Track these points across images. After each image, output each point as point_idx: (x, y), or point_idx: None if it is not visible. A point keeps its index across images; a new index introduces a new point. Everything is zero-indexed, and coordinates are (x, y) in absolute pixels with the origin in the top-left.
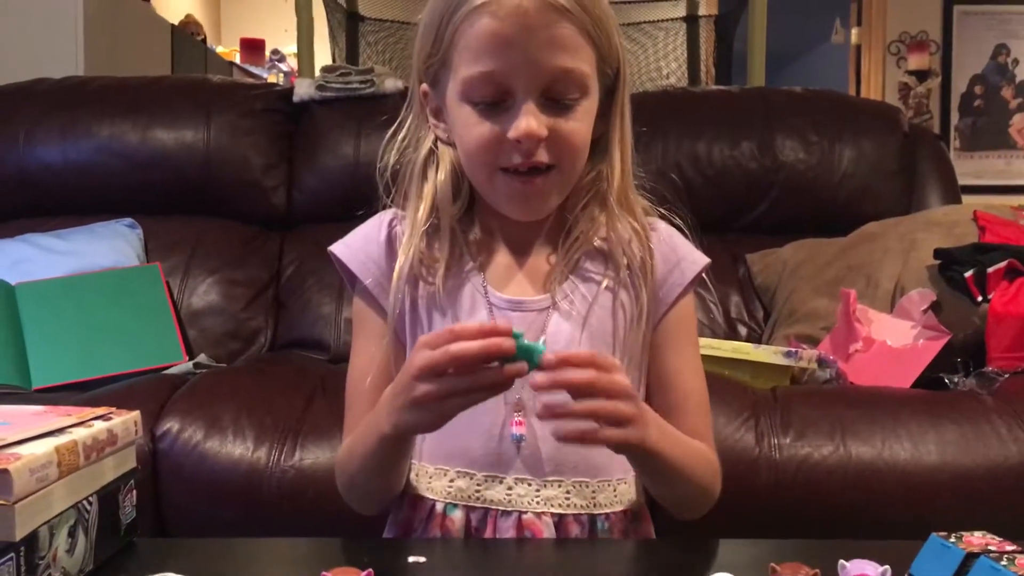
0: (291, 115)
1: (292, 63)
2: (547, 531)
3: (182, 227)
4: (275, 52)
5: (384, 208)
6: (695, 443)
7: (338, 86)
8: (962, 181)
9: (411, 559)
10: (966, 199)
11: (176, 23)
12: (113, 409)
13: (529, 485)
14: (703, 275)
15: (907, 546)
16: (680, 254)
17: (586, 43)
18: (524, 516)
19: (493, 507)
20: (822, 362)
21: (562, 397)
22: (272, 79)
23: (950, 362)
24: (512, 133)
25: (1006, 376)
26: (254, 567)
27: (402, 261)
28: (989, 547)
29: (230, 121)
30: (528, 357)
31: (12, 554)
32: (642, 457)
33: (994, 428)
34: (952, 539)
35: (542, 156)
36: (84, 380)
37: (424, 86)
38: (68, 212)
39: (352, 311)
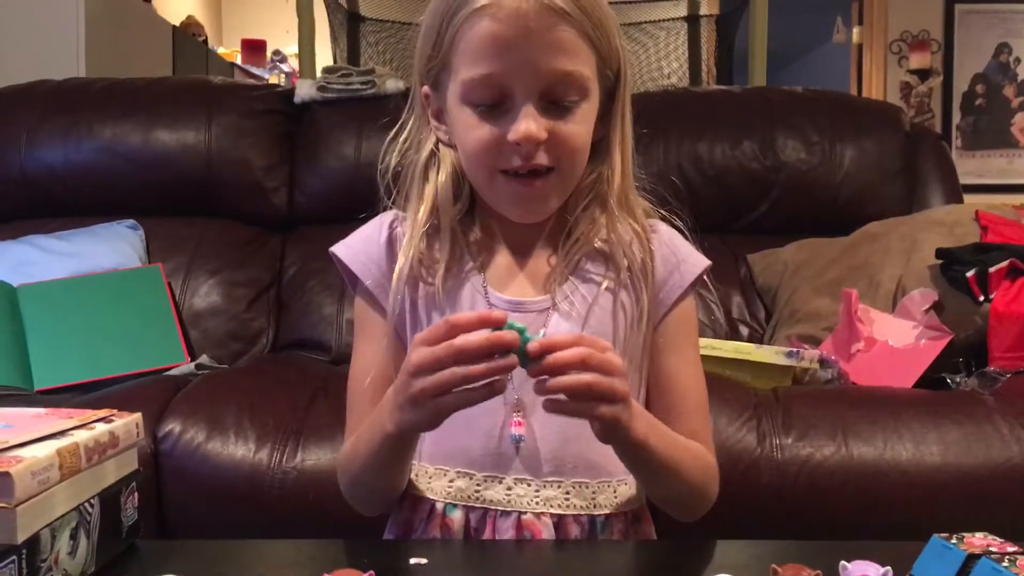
0: (292, 116)
1: (293, 64)
2: (546, 531)
3: (184, 228)
4: (276, 53)
5: (385, 209)
6: (689, 443)
7: (339, 87)
8: (964, 180)
9: (412, 560)
10: (968, 198)
11: (177, 24)
12: (115, 411)
13: (528, 485)
14: (704, 277)
15: (909, 547)
16: (681, 256)
17: (586, 46)
18: (523, 516)
19: (492, 507)
20: (824, 362)
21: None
22: (273, 80)
23: (952, 362)
24: (511, 136)
25: (1008, 376)
26: (256, 569)
27: (402, 262)
28: (990, 548)
29: (231, 122)
30: (522, 352)
31: (14, 557)
32: (630, 448)
33: (996, 428)
34: (953, 540)
35: (542, 159)
36: (86, 381)
37: (425, 88)
38: (70, 214)
39: (353, 312)
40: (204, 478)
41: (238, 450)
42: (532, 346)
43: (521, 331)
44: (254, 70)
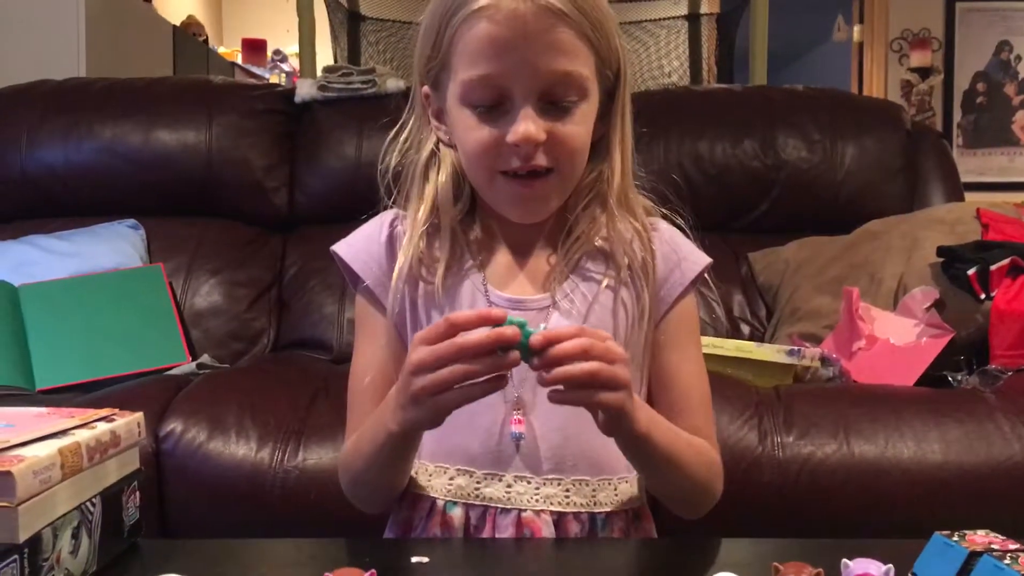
0: (293, 116)
1: (294, 63)
2: (546, 529)
3: (184, 228)
4: (277, 52)
5: (386, 209)
6: (693, 438)
7: (340, 86)
8: (965, 178)
9: (414, 559)
10: (969, 196)
11: (178, 24)
12: (116, 410)
13: (528, 483)
14: (705, 275)
15: (910, 545)
16: (681, 254)
17: (584, 46)
18: (523, 514)
19: (492, 505)
20: (825, 360)
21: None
22: (274, 79)
23: (953, 360)
24: (510, 137)
25: (1009, 374)
26: (257, 568)
27: (402, 261)
28: (992, 546)
29: (232, 122)
30: (523, 347)
31: (15, 556)
32: (632, 441)
33: (997, 426)
34: (955, 538)
35: (541, 159)
36: (87, 381)
37: (425, 88)
38: (71, 214)
39: (354, 311)
40: (205, 477)
41: (239, 449)
42: (535, 339)
43: (521, 326)
44: (255, 70)
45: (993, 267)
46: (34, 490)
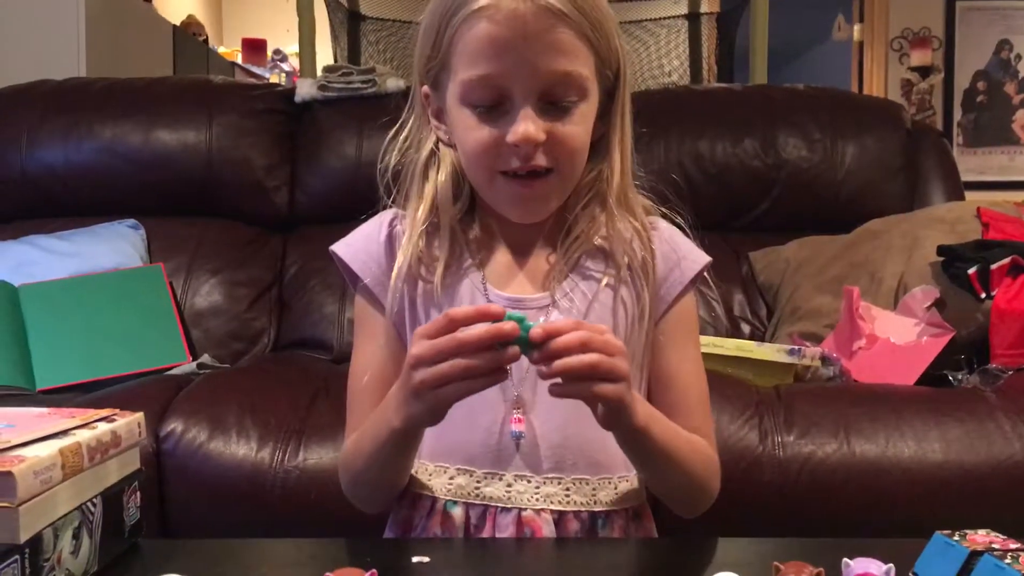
0: (293, 115)
1: (294, 63)
2: (546, 528)
3: (185, 228)
4: (277, 52)
5: (385, 208)
6: (691, 436)
7: (340, 86)
8: (965, 177)
9: (415, 559)
10: (969, 195)
11: (178, 24)
12: (117, 411)
13: (528, 482)
14: (704, 274)
15: (911, 544)
16: (681, 253)
17: (584, 46)
18: (524, 513)
19: (493, 504)
20: (825, 360)
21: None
22: (274, 79)
23: (953, 359)
24: (510, 137)
25: (1010, 373)
26: (258, 568)
27: (401, 261)
28: (993, 545)
29: (232, 122)
30: (523, 342)
31: (16, 556)
32: (631, 435)
33: (998, 425)
34: (956, 537)
35: (541, 160)
36: (88, 381)
37: (425, 88)
38: (71, 214)
39: (354, 310)
40: (206, 477)
41: (240, 449)
42: (535, 332)
43: (520, 320)
44: (255, 69)
45: (993, 266)
46: (35, 490)
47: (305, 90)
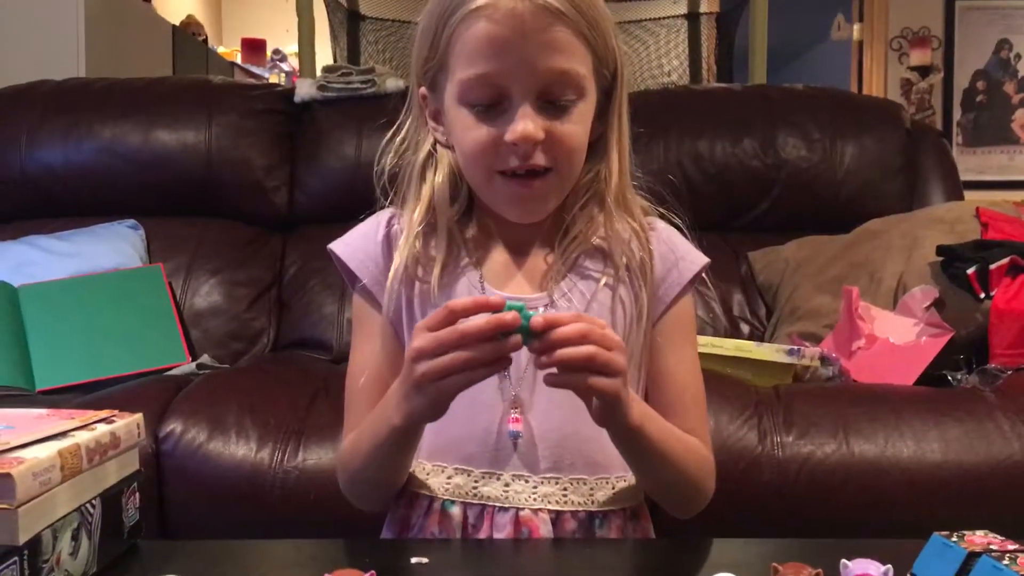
0: (292, 115)
1: (293, 63)
2: (544, 527)
3: (184, 228)
4: (276, 52)
5: (382, 209)
6: (686, 436)
7: (339, 86)
8: (965, 177)
9: (414, 560)
10: (969, 195)
11: (177, 24)
12: (116, 412)
13: (526, 482)
14: (703, 274)
15: (909, 545)
16: (679, 253)
17: (582, 45)
18: (521, 512)
19: (490, 504)
20: (824, 360)
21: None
22: (273, 79)
23: (953, 359)
24: (509, 136)
25: (1009, 373)
26: (257, 569)
27: (397, 262)
28: (991, 546)
29: (231, 122)
30: (524, 331)
31: (15, 558)
32: (625, 432)
33: (997, 425)
34: (954, 538)
35: (539, 159)
36: (87, 381)
37: (423, 90)
38: (70, 214)
39: (352, 310)
40: (205, 478)
41: (239, 450)
42: (536, 321)
43: (520, 309)
44: (254, 69)
45: (992, 266)
46: (34, 492)
47: (304, 90)
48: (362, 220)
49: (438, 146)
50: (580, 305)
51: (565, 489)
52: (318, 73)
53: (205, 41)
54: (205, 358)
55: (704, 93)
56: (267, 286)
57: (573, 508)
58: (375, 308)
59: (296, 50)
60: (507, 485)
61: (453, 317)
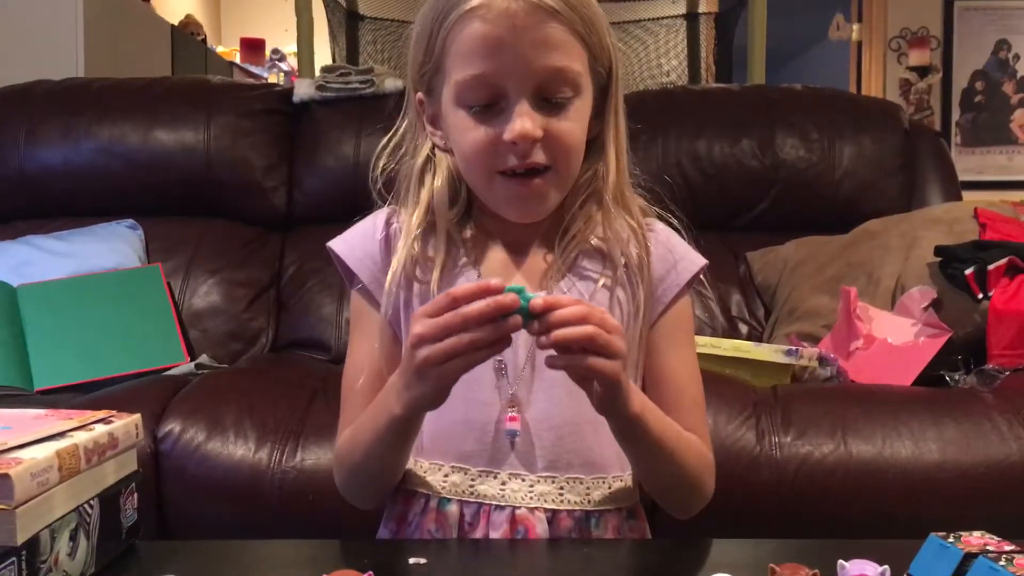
0: (291, 115)
1: (292, 62)
2: (540, 526)
3: (183, 228)
4: (275, 52)
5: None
6: (685, 432)
7: (338, 86)
8: (963, 177)
9: (411, 560)
10: (968, 195)
11: (176, 23)
12: (114, 412)
13: (523, 480)
14: (700, 276)
15: (906, 546)
16: (677, 255)
17: (577, 42)
18: (517, 511)
19: (487, 502)
20: (823, 360)
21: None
22: (272, 79)
23: (951, 360)
24: (507, 135)
25: (1007, 373)
26: (255, 569)
27: (396, 264)
28: (987, 547)
29: (230, 122)
30: (524, 312)
31: (13, 558)
32: (625, 421)
33: (995, 426)
34: (951, 539)
35: (538, 157)
36: (86, 381)
37: (420, 95)
38: (69, 214)
39: (350, 308)
40: (204, 478)
41: (238, 450)
42: (536, 302)
43: (520, 291)
44: (253, 69)
45: (991, 267)
46: (32, 492)
47: (303, 90)
48: (360, 219)
49: (436, 150)
50: None
51: (562, 488)
52: (317, 73)
53: (204, 41)
54: (204, 358)
55: (703, 93)
56: (266, 286)
57: (569, 507)
58: (373, 307)
59: (295, 50)
60: (504, 484)
61: (455, 304)
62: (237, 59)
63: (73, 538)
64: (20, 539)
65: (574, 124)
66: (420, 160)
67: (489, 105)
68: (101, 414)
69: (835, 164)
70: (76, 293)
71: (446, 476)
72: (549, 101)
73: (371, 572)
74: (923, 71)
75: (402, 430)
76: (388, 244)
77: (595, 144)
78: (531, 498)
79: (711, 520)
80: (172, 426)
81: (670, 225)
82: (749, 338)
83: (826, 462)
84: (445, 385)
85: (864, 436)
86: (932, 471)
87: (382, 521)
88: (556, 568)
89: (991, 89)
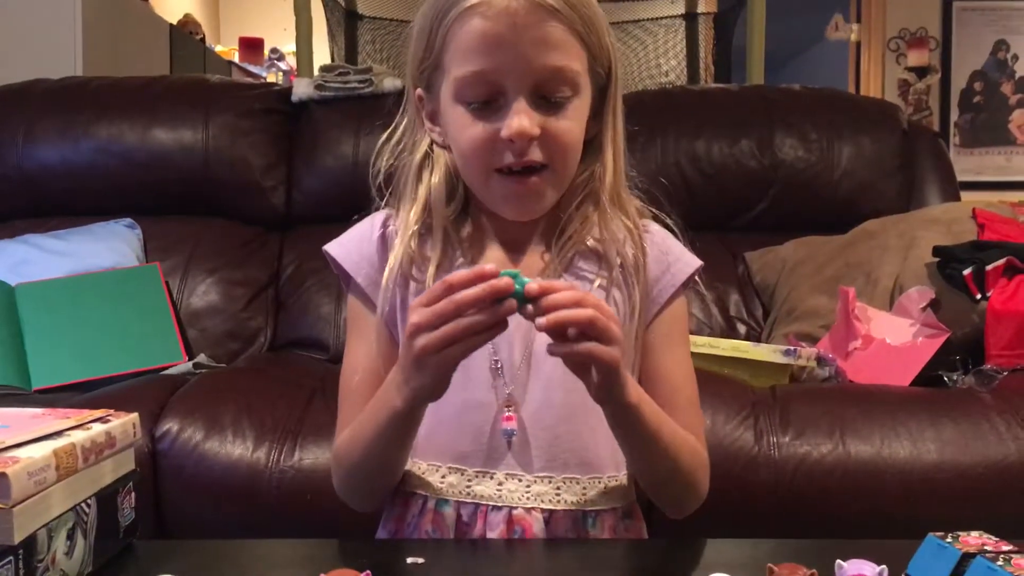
0: (290, 115)
1: (291, 62)
2: (536, 526)
3: (181, 227)
4: (274, 51)
5: (378, 210)
6: (681, 430)
7: (337, 85)
8: (962, 177)
9: (409, 560)
10: (966, 195)
11: (175, 22)
12: (112, 411)
13: (519, 481)
14: (695, 277)
15: (904, 546)
16: (673, 256)
17: (576, 42)
18: (514, 511)
19: (484, 502)
20: (821, 360)
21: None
22: (271, 78)
23: (949, 360)
24: (505, 132)
25: (1005, 374)
26: (253, 569)
27: (392, 262)
28: (985, 547)
29: (229, 121)
30: (519, 296)
31: (11, 557)
32: (621, 411)
33: (993, 426)
34: (949, 539)
35: (535, 155)
36: (84, 380)
37: (419, 91)
38: (67, 213)
39: (347, 310)
40: (202, 477)
41: (236, 449)
42: (532, 286)
43: (515, 276)
44: (252, 68)
45: (989, 267)
46: (29, 491)
47: (302, 89)
48: (357, 221)
49: (434, 147)
50: None
51: (558, 488)
52: (315, 72)
53: (203, 40)
54: (202, 357)
55: (702, 93)
56: (264, 286)
57: (566, 507)
58: (369, 308)
59: (294, 49)
60: (500, 484)
61: (451, 292)
62: (236, 58)
63: (70, 537)
64: (17, 538)
65: (572, 123)
66: (418, 156)
67: (488, 102)
68: (99, 413)
69: (834, 164)
70: (74, 292)
71: (443, 477)
72: (547, 100)
73: (369, 571)
74: (922, 72)
75: (403, 424)
76: (384, 246)
77: (593, 144)
78: (528, 498)
79: (709, 520)
80: (170, 425)
81: (666, 226)
82: (747, 338)
83: (824, 462)
84: (444, 373)
85: (862, 436)
86: (930, 471)
87: (380, 523)
88: (553, 568)
89: (990, 90)
